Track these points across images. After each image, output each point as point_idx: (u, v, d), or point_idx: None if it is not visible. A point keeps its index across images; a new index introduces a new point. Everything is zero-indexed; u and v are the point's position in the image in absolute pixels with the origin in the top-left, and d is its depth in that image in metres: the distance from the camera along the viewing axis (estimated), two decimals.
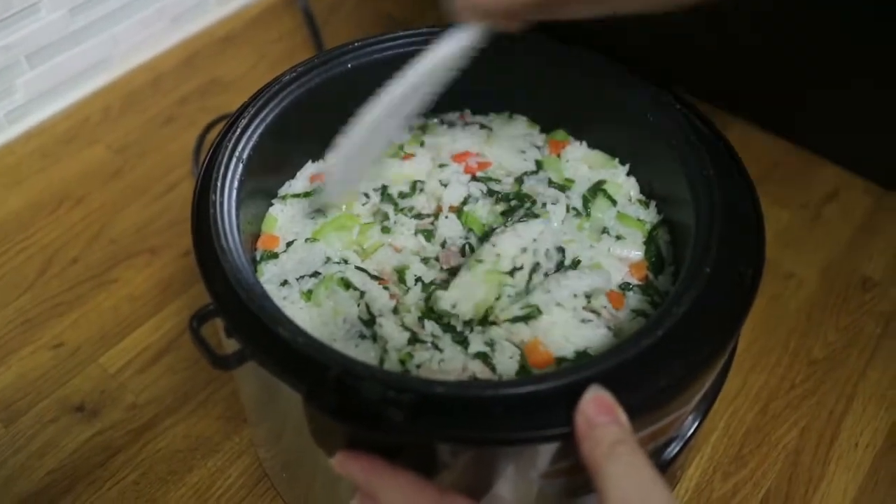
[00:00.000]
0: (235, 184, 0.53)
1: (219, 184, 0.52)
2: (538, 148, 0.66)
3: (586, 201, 0.61)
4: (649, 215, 0.61)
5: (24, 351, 0.75)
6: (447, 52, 0.52)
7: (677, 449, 0.54)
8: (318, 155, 0.64)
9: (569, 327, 0.53)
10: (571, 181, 0.62)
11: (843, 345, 0.77)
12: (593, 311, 0.54)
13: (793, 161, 0.91)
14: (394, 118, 0.55)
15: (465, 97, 0.68)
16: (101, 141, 0.93)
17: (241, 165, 0.54)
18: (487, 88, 0.66)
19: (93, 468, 0.68)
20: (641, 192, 0.62)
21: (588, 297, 0.54)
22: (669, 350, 0.45)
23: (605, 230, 0.60)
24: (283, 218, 0.61)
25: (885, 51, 0.80)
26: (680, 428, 0.52)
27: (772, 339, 0.77)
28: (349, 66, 0.61)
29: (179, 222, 0.86)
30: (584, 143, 0.65)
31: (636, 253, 0.58)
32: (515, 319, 0.53)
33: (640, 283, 0.57)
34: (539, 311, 0.53)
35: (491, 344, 0.52)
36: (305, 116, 0.60)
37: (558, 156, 0.65)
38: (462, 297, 0.54)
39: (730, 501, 0.67)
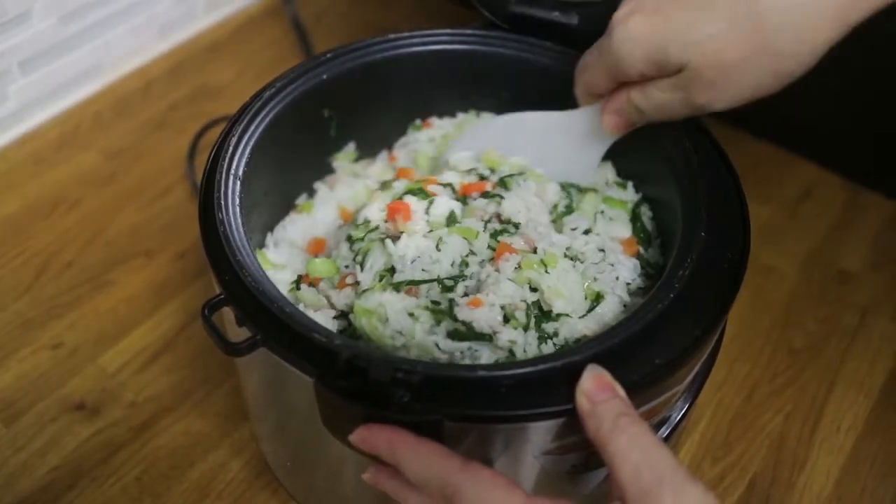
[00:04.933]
0: (240, 172, 0.55)
1: (222, 174, 0.54)
2: None
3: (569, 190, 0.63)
4: (629, 195, 0.63)
5: (24, 352, 0.75)
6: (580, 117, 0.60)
7: (668, 431, 0.57)
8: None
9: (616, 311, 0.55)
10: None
11: (822, 335, 0.79)
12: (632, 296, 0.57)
13: (771, 160, 0.94)
14: (528, 142, 0.64)
15: (428, 105, 0.69)
16: (93, 146, 0.94)
17: (244, 159, 0.56)
18: (450, 91, 0.68)
19: (95, 465, 0.68)
20: (618, 174, 0.65)
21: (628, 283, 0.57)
22: (664, 331, 0.48)
23: (597, 214, 0.62)
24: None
25: (857, 52, 0.83)
26: (672, 408, 0.54)
27: (754, 331, 0.79)
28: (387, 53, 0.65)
29: (173, 225, 0.87)
30: None
31: (625, 232, 0.60)
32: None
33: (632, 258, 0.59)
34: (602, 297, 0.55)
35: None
36: (322, 102, 0.63)
37: None
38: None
39: (718, 485, 0.69)
